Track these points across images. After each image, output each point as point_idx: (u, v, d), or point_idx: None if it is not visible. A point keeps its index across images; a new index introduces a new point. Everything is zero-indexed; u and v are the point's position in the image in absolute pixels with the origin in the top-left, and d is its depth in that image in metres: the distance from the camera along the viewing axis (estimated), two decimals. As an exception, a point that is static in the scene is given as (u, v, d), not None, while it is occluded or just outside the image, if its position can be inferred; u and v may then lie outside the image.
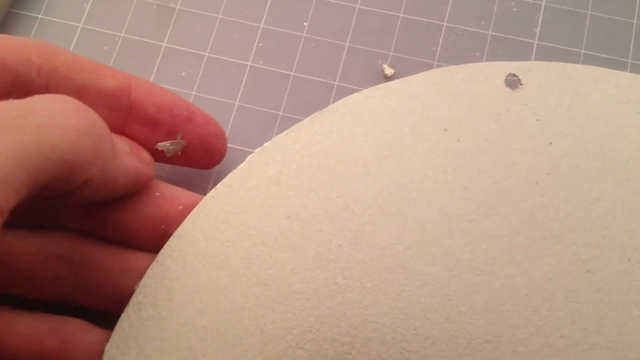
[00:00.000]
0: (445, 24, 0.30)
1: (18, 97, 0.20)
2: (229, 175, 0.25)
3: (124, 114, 0.25)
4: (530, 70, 0.26)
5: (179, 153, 0.25)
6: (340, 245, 0.24)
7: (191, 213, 0.24)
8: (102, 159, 0.21)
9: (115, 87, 0.24)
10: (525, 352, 0.22)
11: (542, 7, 0.30)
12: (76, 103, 0.21)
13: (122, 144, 0.24)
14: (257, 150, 0.25)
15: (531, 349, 0.22)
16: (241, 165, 0.25)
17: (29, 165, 0.18)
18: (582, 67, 0.26)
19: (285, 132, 0.25)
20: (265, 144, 0.25)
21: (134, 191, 0.24)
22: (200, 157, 0.26)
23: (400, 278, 0.23)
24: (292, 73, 0.29)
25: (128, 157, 0.23)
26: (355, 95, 0.26)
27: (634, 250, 0.23)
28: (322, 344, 0.23)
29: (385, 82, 0.27)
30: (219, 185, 0.25)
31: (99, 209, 0.24)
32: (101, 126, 0.21)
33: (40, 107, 0.20)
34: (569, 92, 0.26)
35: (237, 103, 0.29)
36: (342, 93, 0.28)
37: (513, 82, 0.26)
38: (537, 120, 0.25)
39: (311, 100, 0.29)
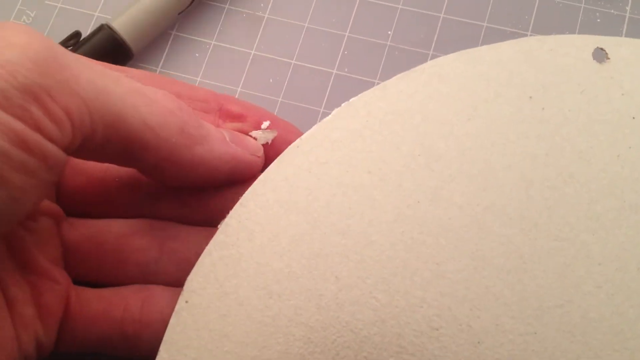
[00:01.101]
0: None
1: None
2: (314, 127, 0.25)
3: (215, 115, 0.27)
4: (619, 45, 0.26)
5: (269, 142, 0.26)
6: (419, 201, 0.24)
7: (275, 160, 0.25)
8: (187, 139, 0.23)
9: (205, 93, 0.27)
10: (595, 319, 0.23)
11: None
12: (166, 93, 0.24)
13: (217, 131, 0.25)
14: (343, 105, 0.26)
15: (601, 316, 0.23)
16: (327, 118, 0.26)
17: (111, 111, 0.21)
18: (672, 45, 0.26)
19: (372, 89, 0.26)
20: (352, 99, 0.26)
21: (238, 179, 0.26)
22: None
23: (475, 237, 0.24)
24: (376, 80, 0.30)
25: (223, 144, 0.25)
26: (442, 58, 0.26)
27: None
28: (394, 295, 0.23)
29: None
30: (304, 135, 0.25)
31: (193, 193, 0.26)
32: (187, 112, 0.24)
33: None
34: (656, 69, 0.26)
35: (321, 110, 0.30)
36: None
37: (601, 55, 0.26)
38: (622, 94, 0.25)
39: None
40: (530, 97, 0.25)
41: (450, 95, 0.25)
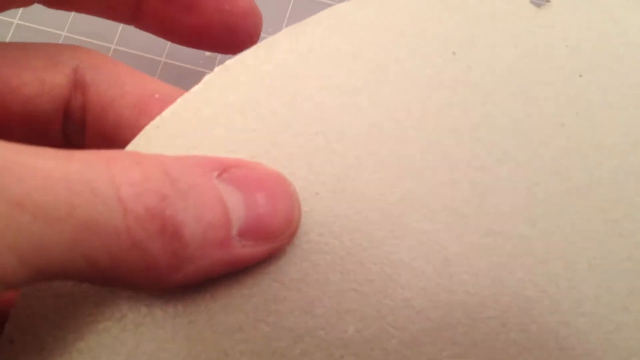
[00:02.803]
0: None
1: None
2: (178, 100, 0.20)
3: None
4: (560, -17, 0.21)
5: None
6: (317, 193, 0.19)
7: (128, 146, 0.19)
8: (160, 272, 0.16)
9: None
10: (537, 332, 0.18)
11: None
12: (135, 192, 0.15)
13: (214, 230, 0.16)
14: (216, 70, 0.20)
15: (546, 327, 0.18)
16: (195, 88, 0.20)
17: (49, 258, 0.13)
18: (623, -17, 0.21)
19: (254, 47, 0.20)
20: (228, 62, 0.20)
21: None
22: (224, 39, 0.21)
23: (389, 236, 0.19)
24: None
25: (223, 249, 0.17)
26: (342, 5, 0.21)
27: (677, 211, 0.19)
28: (288, 317, 0.18)
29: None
30: (164, 113, 0.19)
31: None
32: (168, 241, 0.15)
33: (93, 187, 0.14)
34: (605, 14, 0.21)
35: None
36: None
37: (539, -3, 0.21)
38: (566, 46, 0.20)
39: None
40: (454, 54, 0.20)
41: (353, 55, 0.20)
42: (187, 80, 0.24)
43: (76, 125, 0.21)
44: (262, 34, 0.24)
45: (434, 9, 0.20)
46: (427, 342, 0.18)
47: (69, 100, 0.20)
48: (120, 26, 0.29)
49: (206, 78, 0.20)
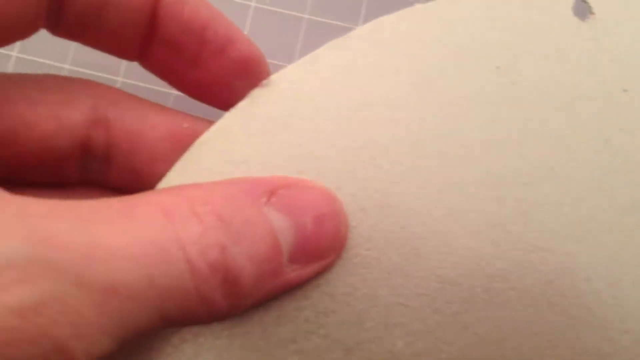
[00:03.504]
0: None
1: None
2: (226, 115, 0.20)
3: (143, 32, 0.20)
4: (604, -5, 0.21)
5: None
6: (364, 208, 0.19)
7: (178, 162, 0.19)
8: (217, 317, 0.16)
9: None
10: (582, 349, 0.18)
11: None
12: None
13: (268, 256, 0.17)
14: (262, 83, 0.20)
15: (591, 345, 0.18)
16: (242, 103, 0.20)
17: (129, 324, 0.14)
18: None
19: (297, 62, 0.20)
20: (272, 77, 0.20)
21: None
22: (226, 97, 0.21)
23: (435, 252, 0.19)
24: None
25: (274, 276, 0.17)
26: (385, 18, 0.21)
27: None
28: (339, 330, 0.19)
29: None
30: (213, 127, 0.20)
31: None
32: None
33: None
34: (649, 26, 0.21)
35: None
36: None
37: (583, 10, 0.21)
38: (610, 60, 0.20)
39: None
40: (498, 68, 0.20)
41: (397, 69, 0.20)
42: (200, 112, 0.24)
43: (98, 161, 0.21)
44: (275, 61, 0.24)
45: (478, 23, 0.20)
46: (475, 357, 0.18)
47: (88, 137, 0.20)
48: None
49: (252, 92, 0.20)
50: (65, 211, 0.14)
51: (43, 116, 0.19)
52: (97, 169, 0.21)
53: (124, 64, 0.29)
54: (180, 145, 0.20)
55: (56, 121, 0.19)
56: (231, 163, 0.19)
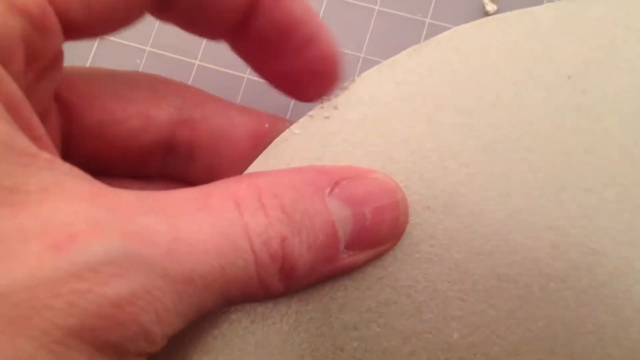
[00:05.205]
0: None
1: None
2: (305, 116, 0.21)
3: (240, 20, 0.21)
4: (681, 7, 0.21)
5: None
6: (429, 207, 0.21)
7: (261, 155, 0.21)
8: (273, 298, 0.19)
9: None
10: (631, 348, 0.20)
11: None
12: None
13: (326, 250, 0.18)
14: (343, 86, 0.21)
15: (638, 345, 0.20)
16: (322, 104, 0.21)
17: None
18: None
19: (376, 67, 0.21)
20: (353, 80, 0.21)
21: None
22: (305, 87, 0.22)
23: (495, 251, 0.20)
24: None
25: (331, 265, 0.19)
26: (462, 27, 0.22)
27: None
28: (398, 319, 0.20)
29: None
30: (294, 126, 0.21)
31: None
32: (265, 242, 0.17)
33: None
34: None
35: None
36: (435, 32, 0.24)
37: (657, 21, 0.21)
38: (682, 72, 0.21)
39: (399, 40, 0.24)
40: (569, 77, 0.21)
41: (470, 76, 0.21)
42: (270, 97, 0.25)
43: (180, 158, 0.23)
44: (346, 50, 0.25)
45: (552, 33, 0.21)
46: (526, 351, 0.20)
47: (174, 135, 0.22)
48: (204, 41, 0.30)
49: (332, 94, 0.21)
50: (150, 204, 0.16)
51: (131, 114, 0.21)
52: (178, 164, 0.23)
53: (201, 48, 0.31)
54: (261, 144, 0.21)
55: (144, 119, 0.21)
56: (307, 160, 0.21)
